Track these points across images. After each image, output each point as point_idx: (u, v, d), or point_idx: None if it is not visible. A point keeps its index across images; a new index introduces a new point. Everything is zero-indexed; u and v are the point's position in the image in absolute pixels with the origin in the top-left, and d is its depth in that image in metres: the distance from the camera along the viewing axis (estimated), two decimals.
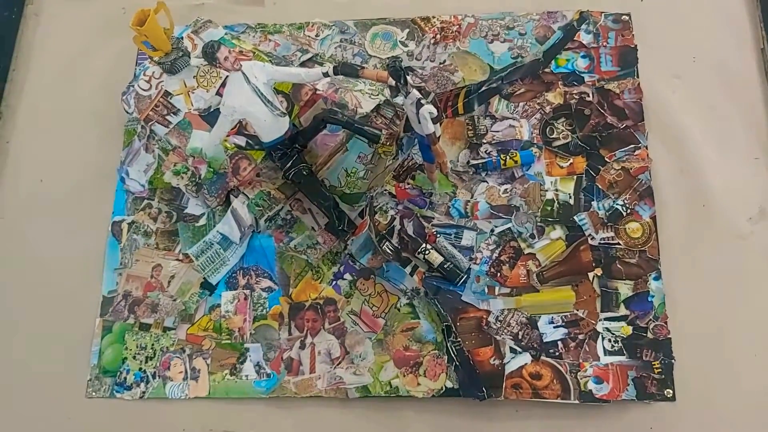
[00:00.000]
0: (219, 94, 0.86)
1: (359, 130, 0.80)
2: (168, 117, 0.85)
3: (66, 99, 0.93)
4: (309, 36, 0.94)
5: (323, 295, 0.81)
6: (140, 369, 0.79)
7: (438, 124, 0.71)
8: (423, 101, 0.70)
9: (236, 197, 0.83)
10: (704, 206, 0.83)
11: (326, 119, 0.80)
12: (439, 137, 0.72)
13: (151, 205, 0.86)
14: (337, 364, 0.78)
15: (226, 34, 0.90)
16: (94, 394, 0.78)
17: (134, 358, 0.79)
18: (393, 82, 0.72)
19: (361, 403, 0.76)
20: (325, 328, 0.79)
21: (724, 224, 0.82)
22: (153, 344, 0.79)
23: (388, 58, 0.90)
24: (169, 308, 0.81)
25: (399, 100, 0.74)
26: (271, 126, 0.78)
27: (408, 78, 0.69)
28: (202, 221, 0.85)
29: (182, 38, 0.86)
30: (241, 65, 0.74)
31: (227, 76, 0.77)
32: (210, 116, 0.85)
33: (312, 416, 0.76)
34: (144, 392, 0.78)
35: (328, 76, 0.77)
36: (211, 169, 0.84)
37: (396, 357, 0.78)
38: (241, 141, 0.81)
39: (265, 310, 0.80)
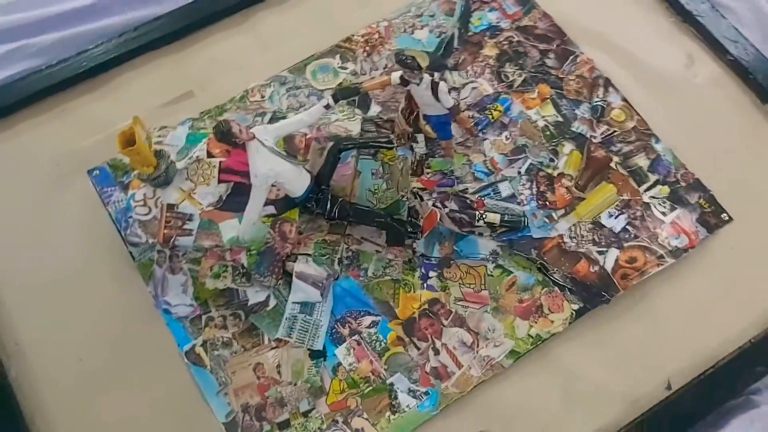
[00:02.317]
0: (220, 181, 0.93)
1: (372, 144, 0.93)
2: (186, 226, 0.90)
3: (51, 267, 0.94)
4: (255, 101, 1.04)
5: (424, 300, 0.91)
6: None
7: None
8: (437, 80, 0.85)
9: (294, 262, 0.90)
10: (646, 71, 1.08)
11: (340, 148, 0.92)
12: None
13: (212, 317, 0.90)
14: (476, 348, 0.88)
15: (189, 128, 0.97)
16: None
17: None
18: (398, 80, 0.87)
19: (518, 366, 0.87)
20: (444, 326, 0.89)
21: (671, 75, 1.07)
22: None
23: (335, 87, 1.03)
24: (296, 394, 0.86)
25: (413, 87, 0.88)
26: (300, 178, 0.89)
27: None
28: (272, 303, 0.90)
29: (160, 149, 0.91)
30: (253, 133, 0.83)
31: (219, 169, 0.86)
32: (227, 204, 0.92)
33: (485, 401, 0.85)
34: None
35: (330, 106, 0.89)
36: (253, 252, 0.90)
37: (518, 312, 0.91)
38: (271, 209, 0.89)
39: (383, 343, 0.88)
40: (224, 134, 0.83)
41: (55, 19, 1.13)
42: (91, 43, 1.11)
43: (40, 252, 0.96)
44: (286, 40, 1.13)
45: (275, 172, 0.87)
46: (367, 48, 1.12)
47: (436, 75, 0.92)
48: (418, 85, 0.88)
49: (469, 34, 1.13)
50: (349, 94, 0.93)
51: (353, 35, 1.13)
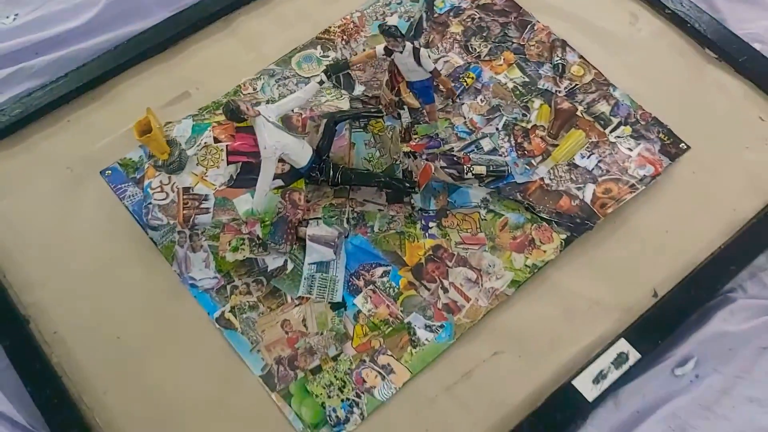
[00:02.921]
0: (229, 162, 1.01)
1: (365, 114, 1.03)
2: (202, 205, 0.98)
3: (78, 259, 1.01)
4: (248, 93, 1.13)
5: (428, 247, 1.00)
6: (342, 401, 0.89)
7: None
8: (418, 46, 0.94)
9: (306, 227, 0.98)
10: (597, 31, 1.20)
11: (336, 120, 1.01)
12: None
13: (236, 286, 0.97)
14: (481, 283, 0.97)
15: (193, 121, 1.05)
16: None
17: (329, 397, 0.89)
18: (382, 51, 0.96)
19: (520, 293, 0.96)
20: (449, 267, 0.98)
21: (619, 32, 1.20)
22: (335, 375, 0.91)
23: (326, 65, 1.11)
24: (323, 341, 0.93)
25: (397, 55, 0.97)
26: (303, 150, 0.97)
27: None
28: (290, 266, 0.98)
29: (172, 138, 0.99)
30: (258, 110, 0.92)
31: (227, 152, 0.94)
32: (238, 182, 1.00)
33: (496, 326, 0.94)
34: (362, 413, 0.88)
35: (323, 82, 0.98)
36: (267, 223, 0.98)
37: (513, 248, 1.00)
38: (279, 182, 0.98)
39: (396, 289, 0.96)
40: (233, 112, 0.92)
41: (50, 41, 1.21)
42: (86, 59, 1.18)
43: (67, 251, 1.02)
44: (268, 39, 1.22)
45: (282, 144, 0.95)
46: (345, 37, 1.21)
47: (417, 42, 1.02)
48: (401, 52, 0.98)
49: (435, 15, 1.24)
50: (339, 69, 1.02)
51: (330, 27, 1.22)
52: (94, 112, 1.15)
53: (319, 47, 1.20)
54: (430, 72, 1.00)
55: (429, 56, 0.99)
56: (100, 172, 1.08)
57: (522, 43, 1.21)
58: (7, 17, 1.25)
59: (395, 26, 0.96)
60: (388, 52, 0.99)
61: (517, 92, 1.15)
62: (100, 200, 1.06)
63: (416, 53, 0.97)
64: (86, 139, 1.11)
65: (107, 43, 1.21)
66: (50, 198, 1.06)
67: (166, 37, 1.20)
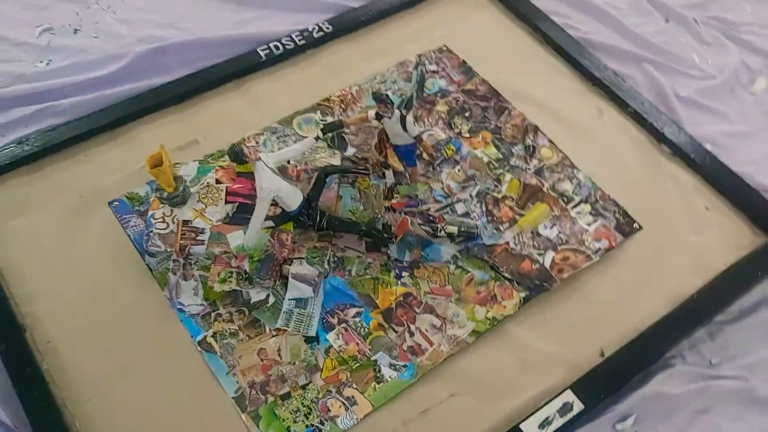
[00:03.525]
0: (227, 202, 1.11)
1: (353, 171, 1.14)
2: (198, 237, 1.07)
3: (78, 279, 1.09)
4: (251, 146, 1.24)
5: (399, 293, 1.09)
6: (307, 426, 0.96)
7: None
8: (404, 113, 1.07)
9: (290, 266, 1.07)
10: (566, 121, 1.34)
11: (327, 173, 1.12)
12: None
13: (220, 314, 1.05)
14: (444, 330, 1.05)
15: (199, 164, 1.16)
16: None
17: (295, 421, 0.96)
18: (372, 115, 1.09)
19: (479, 343, 1.05)
20: (417, 313, 1.07)
21: (586, 123, 1.33)
22: (302, 402, 0.98)
23: (322, 123, 1.23)
24: (295, 371, 1.01)
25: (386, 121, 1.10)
26: (295, 195, 1.08)
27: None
28: (271, 300, 1.06)
29: (178, 175, 1.10)
30: (259, 156, 1.03)
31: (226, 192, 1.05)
32: (233, 219, 1.10)
33: (454, 371, 1.02)
34: None
35: (319, 138, 1.10)
36: (255, 259, 1.07)
37: (476, 301, 1.09)
38: (270, 223, 1.08)
39: (366, 329, 1.05)
40: (237, 154, 1.03)
41: (78, 86, 1.33)
42: (109, 104, 1.30)
43: (68, 269, 1.10)
44: (274, 101, 1.35)
45: (276, 188, 1.05)
46: (342, 105, 1.34)
47: (404, 111, 1.14)
48: (390, 118, 1.10)
49: (425, 95, 1.38)
50: (334, 128, 1.14)
51: (330, 96, 1.36)
52: (109, 150, 1.26)
53: (318, 112, 1.33)
54: (414, 137, 1.12)
55: (414, 123, 1.11)
56: (108, 203, 1.17)
57: (499, 125, 1.34)
58: (41, 62, 1.38)
59: (386, 94, 1.09)
60: (378, 117, 1.11)
61: (491, 166, 1.27)
62: (105, 227, 1.15)
63: (403, 120, 1.10)
64: (100, 173, 1.22)
65: (129, 92, 1.33)
66: (60, 221, 1.15)
67: (183, 91, 1.33)
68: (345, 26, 1.48)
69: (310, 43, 1.44)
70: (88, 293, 1.08)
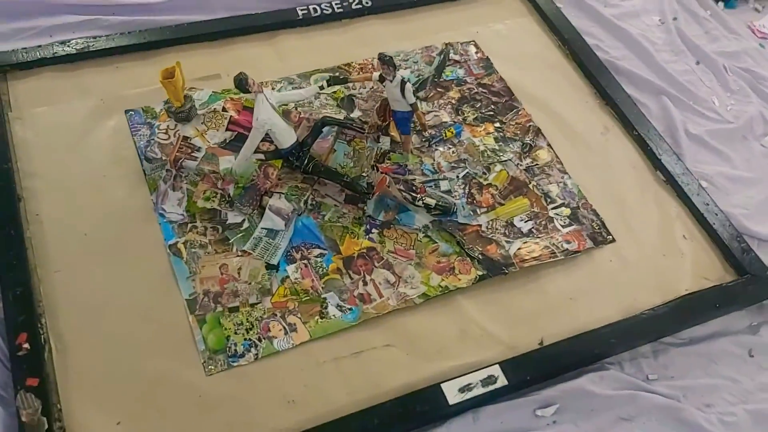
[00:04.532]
0: (227, 129, 1.18)
1: (350, 125, 1.20)
2: (194, 154, 1.14)
3: (80, 168, 1.17)
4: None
5: (364, 246, 1.14)
6: (245, 339, 1.01)
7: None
8: (405, 80, 1.12)
9: (270, 197, 1.13)
10: (571, 130, 1.36)
11: (325, 123, 1.18)
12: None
13: (196, 226, 1.12)
14: (397, 287, 1.09)
15: (212, 92, 1.23)
16: (213, 370, 0.98)
17: (236, 333, 1.02)
18: (377, 76, 1.14)
19: (427, 305, 1.08)
20: (375, 267, 1.11)
21: (589, 137, 1.36)
22: (247, 318, 1.03)
23: (329, 75, 1.29)
24: (248, 290, 1.06)
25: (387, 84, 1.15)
26: (288, 134, 1.14)
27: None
28: (245, 225, 1.12)
29: (189, 94, 1.17)
30: (262, 89, 1.10)
31: (229, 121, 1.12)
32: (229, 146, 1.16)
33: (396, 324, 1.06)
34: (257, 354, 1.00)
35: (323, 88, 1.16)
36: (240, 186, 1.14)
37: (434, 269, 1.13)
38: (260, 156, 1.14)
39: (325, 269, 1.10)
40: (241, 81, 1.09)
41: (127, 8, 1.43)
42: (149, 27, 1.40)
43: (73, 158, 1.19)
44: (298, 56, 1.42)
45: (272, 122, 1.12)
46: (360, 72, 1.40)
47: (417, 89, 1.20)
48: (391, 81, 1.15)
49: (441, 80, 1.43)
50: (338, 82, 1.21)
51: (352, 62, 1.42)
52: (139, 66, 1.35)
53: (337, 73, 1.39)
54: (411, 105, 1.17)
55: (412, 91, 1.16)
56: (125, 111, 1.26)
57: (504, 120, 1.38)
58: None
59: (390, 57, 1.15)
60: (382, 79, 1.17)
61: (485, 155, 1.31)
62: (116, 131, 1.23)
63: (402, 85, 1.15)
64: (125, 84, 1.31)
65: (171, 22, 1.43)
66: (78, 116, 1.24)
67: (217, 29, 1.42)
68: (384, 4, 1.54)
69: (347, 13, 1.51)
70: (84, 182, 1.16)
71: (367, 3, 1.53)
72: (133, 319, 1.03)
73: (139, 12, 1.44)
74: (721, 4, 1.75)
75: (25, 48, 1.31)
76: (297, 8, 1.48)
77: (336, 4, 1.51)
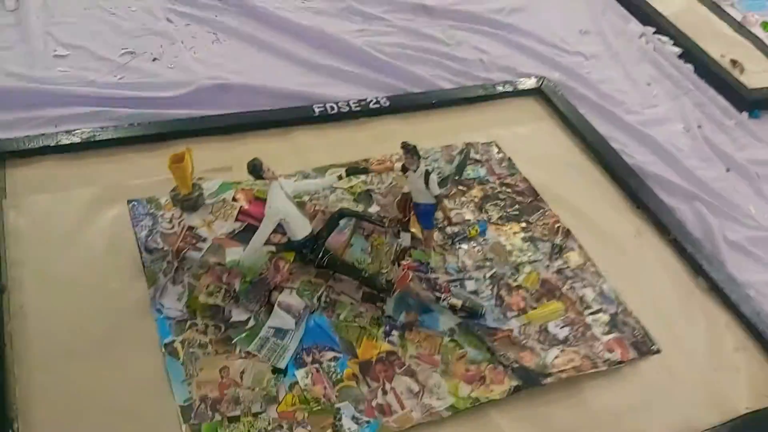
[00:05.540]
0: (237, 220, 1.11)
1: (369, 219, 1.13)
2: (199, 244, 1.06)
3: (73, 258, 1.08)
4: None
5: (383, 350, 1.03)
6: None
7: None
8: (430, 170, 1.07)
9: (279, 293, 1.04)
10: (602, 233, 1.29)
11: (342, 214, 1.11)
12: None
13: (196, 323, 1.02)
14: (421, 397, 0.97)
15: (222, 181, 1.17)
16: None
17: None
18: (399, 167, 1.08)
19: (455, 419, 0.96)
20: (397, 373, 1.00)
21: (622, 240, 1.28)
22: (249, 430, 0.90)
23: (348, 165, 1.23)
24: (251, 397, 0.94)
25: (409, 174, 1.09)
26: (303, 225, 1.07)
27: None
28: (251, 323, 1.02)
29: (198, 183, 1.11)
30: (277, 177, 1.04)
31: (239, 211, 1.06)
32: (237, 236, 1.09)
33: None
34: None
35: (342, 178, 1.10)
36: (247, 280, 1.05)
37: (463, 378, 1.02)
38: (271, 247, 1.07)
39: (339, 375, 0.98)
40: (255, 167, 1.03)
41: (140, 101, 1.41)
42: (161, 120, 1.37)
43: (67, 248, 1.09)
44: (315, 152, 1.37)
45: (286, 211, 1.05)
46: (381, 164, 1.35)
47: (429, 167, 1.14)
48: (414, 171, 1.09)
49: (462, 179, 1.38)
50: (358, 172, 1.15)
51: (369, 158, 1.37)
52: (147, 158, 1.29)
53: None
54: (435, 197, 1.10)
55: (437, 183, 1.10)
56: (128, 201, 1.19)
57: (531, 221, 1.31)
58: (115, 76, 1.47)
59: (415, 146, 1.09)
60: (404, 169, 1.11)
61: (513, 255, 1.22)
62: (117, 221, 1.15)
63: (427, 176, 1.09)
64: (130, 174, 1.25)
65: (184, 115, 1.40)
66: (77, 204, 1.16)
67: (233, 123, 1.38)
68: (401, 105, 1.52)
69: (364, 112, 1.49)
70: (76, 273, 1.06)
71: (385, 103, 1.51)
72: (118, 428, 0.90)
73: (150, 105, 1.41)
74: (745, 113, 1.74)
75: (27, 135, 1.26)
76: (314, 106, 1.46)
77: (353, 103, 1.49)
